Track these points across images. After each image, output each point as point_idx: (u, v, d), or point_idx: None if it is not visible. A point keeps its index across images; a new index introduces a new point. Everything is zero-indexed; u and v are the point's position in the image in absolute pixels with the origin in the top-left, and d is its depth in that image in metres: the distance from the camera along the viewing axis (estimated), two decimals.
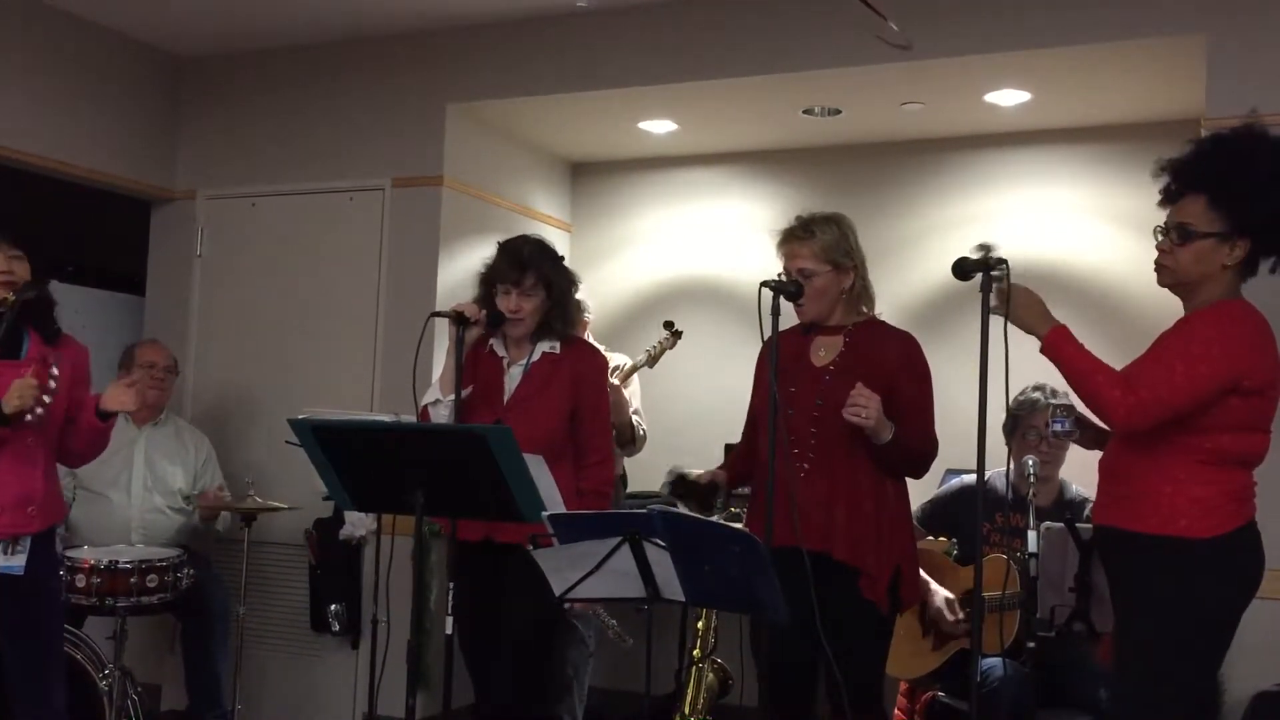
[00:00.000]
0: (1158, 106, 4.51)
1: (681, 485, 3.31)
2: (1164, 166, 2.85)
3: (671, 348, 4.79)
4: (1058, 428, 3.02)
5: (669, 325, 4.79)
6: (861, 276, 3.24)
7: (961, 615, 3.77)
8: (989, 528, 3.84)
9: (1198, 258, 2.76)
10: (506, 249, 3.56)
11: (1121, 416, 2.68)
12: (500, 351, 3.59)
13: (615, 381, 4.65)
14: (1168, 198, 2.85)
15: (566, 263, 3.67)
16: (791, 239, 3.21)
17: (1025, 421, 3.88)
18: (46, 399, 3.23)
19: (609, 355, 4.90)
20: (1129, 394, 2.66)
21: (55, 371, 3.26)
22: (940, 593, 3.83)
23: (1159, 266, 2.84)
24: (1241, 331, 2.71)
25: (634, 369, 4.76)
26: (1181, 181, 2.82)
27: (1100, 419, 2.78)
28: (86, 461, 3.71)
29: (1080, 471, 3.80)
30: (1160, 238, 2.82)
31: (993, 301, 2.77)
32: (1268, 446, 2.77)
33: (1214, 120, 3.86)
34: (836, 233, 3.20)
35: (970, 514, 3.90)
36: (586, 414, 3.55)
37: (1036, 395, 3.89)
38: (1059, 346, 2.78)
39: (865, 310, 3.28)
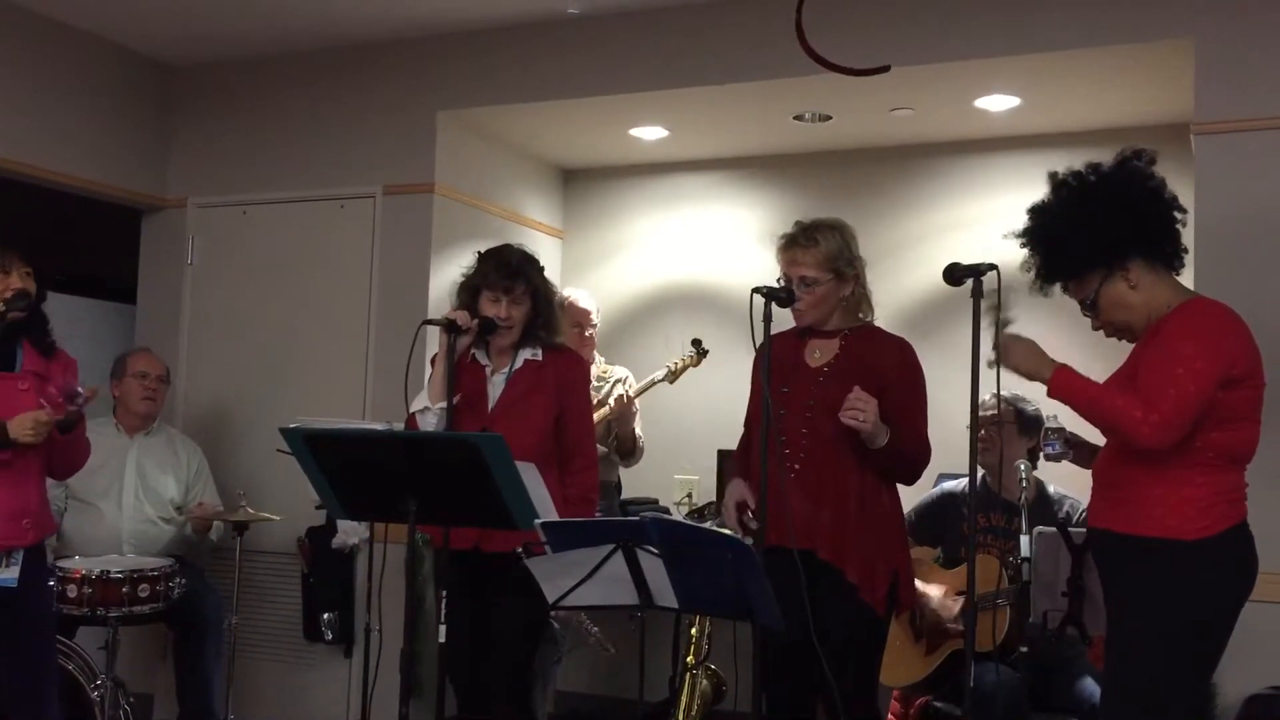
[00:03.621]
0: (1147, 111, 4.52)
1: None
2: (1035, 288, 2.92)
3: (695, 366, 4.78)
4: (1049, 450, 3.03)
5: (697, 344, 4.78)
6: (861, 284, 3.25)
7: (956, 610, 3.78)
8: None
9: (1115, 305, 2.84)
10: (496, 257, 3.55)
11: (1148, 435, 2.66)
12: (483, 360, 3.58)
13: (627, 394, 4.64)
14: (1064, 289, 2.92)
15: (556, 270, 3.67)
16: (794, 246, 3.19)
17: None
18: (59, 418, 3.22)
19: (612, 368, 4.91)
20: (1151, 411, 2.66)
21: (79, 391, 3.23)
22: (932, 591, 3.83)
23: (1111, 336, 2.91)
24: (1218, 321, 2.74)
25: (651, 384, 4.75)
26: (1049, 282, 2.90)
27: (1128, 442, 2.74)
28: (68, 475, 3.66)
29: (1067, 478, 3.81)
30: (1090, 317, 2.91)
31: (990, 356, 2.79)
32: (1258, 436, 2.78)
33: (1202, 124, 3.87)
34: (839, 241, 3.20)
35: (954, 518, 3.93)
36: (571, 420, 3.55)
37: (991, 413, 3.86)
38: (1067, 385, 2.79)
39: (863, 316, 3.28)
